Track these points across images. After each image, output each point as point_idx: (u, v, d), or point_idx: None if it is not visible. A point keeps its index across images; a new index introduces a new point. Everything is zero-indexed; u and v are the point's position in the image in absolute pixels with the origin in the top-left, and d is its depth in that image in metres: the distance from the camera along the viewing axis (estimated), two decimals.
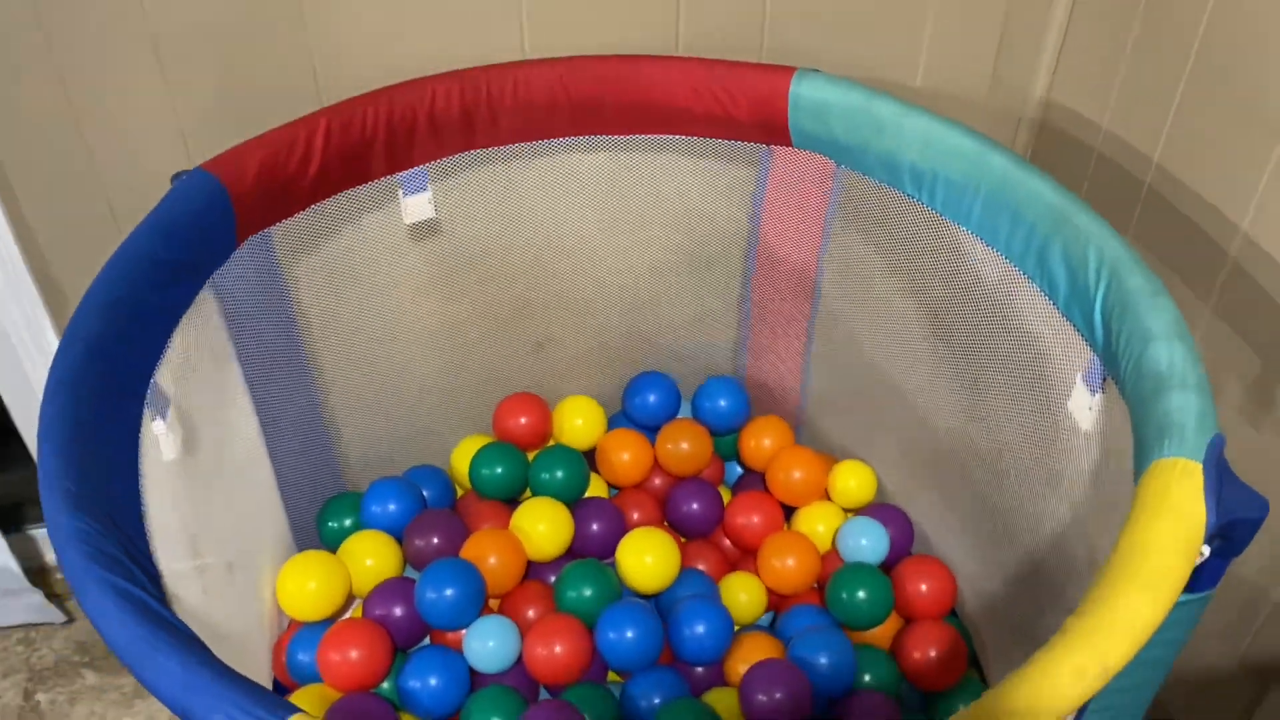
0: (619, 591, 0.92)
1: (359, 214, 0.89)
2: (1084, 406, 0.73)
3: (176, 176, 0.77)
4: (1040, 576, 0.82)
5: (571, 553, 0.98)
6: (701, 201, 0.99)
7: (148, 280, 0.69)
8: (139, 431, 0.65)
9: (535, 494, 1.02)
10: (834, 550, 1.01)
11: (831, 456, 1.06)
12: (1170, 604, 0.49)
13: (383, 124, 0.85)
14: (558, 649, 0.87)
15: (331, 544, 1.00)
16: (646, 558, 0.93)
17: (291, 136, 0.80)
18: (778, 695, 0.84)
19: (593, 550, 0.98)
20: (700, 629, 0.89)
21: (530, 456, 1.05)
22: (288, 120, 0.82)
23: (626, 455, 1.05)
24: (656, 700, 0.87)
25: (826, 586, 0.96)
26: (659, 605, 0.95)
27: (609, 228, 1.00)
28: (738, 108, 0.90)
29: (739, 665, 0.90)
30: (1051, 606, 0.81)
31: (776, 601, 1.00)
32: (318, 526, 1.01)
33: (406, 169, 0.89)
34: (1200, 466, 0.55)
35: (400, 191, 0.89)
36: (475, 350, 1.04)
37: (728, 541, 1.06)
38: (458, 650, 0.89)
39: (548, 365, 1.09)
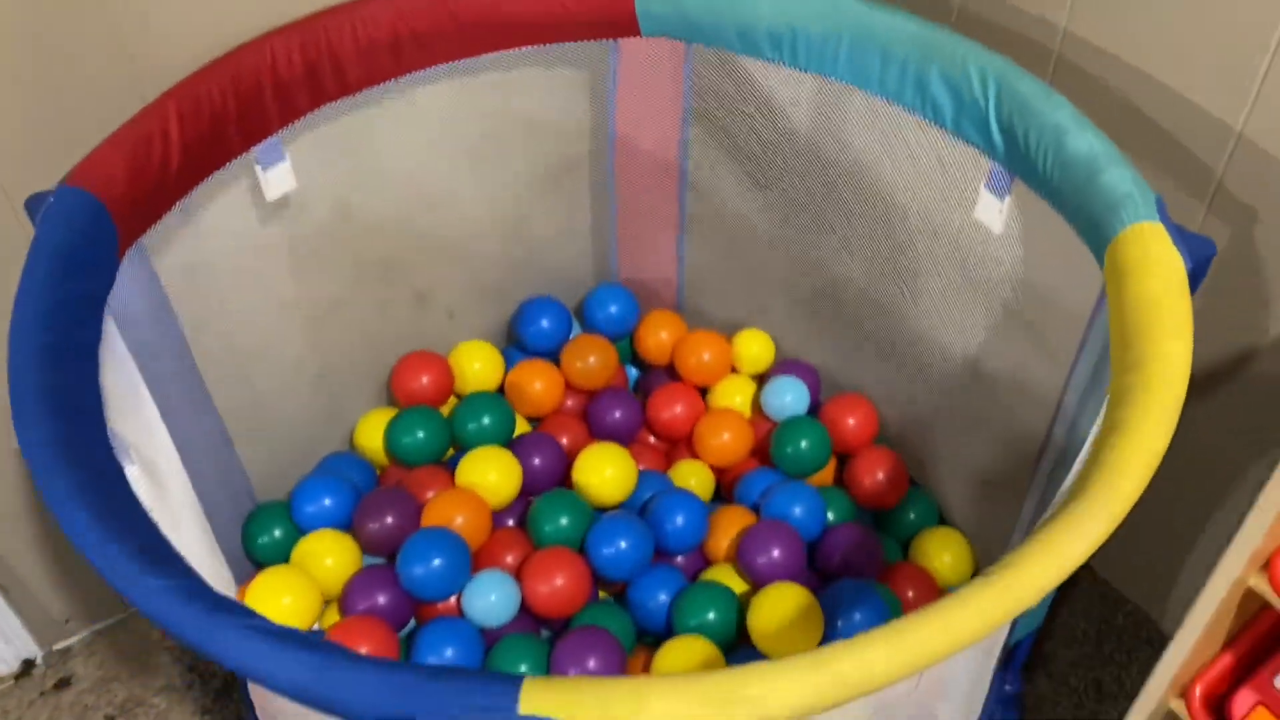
0: (590, 512, 0.93)
1: (221, 202, 0.81)
2: (994, 211, 0.80)
3: (33, 201, 0.66)
4: (974, 380, 0.89)
5: (522, 493, 0.97)
6: (556, 111, 0.97)
7: (64, 321, 0.61)
8: (127, 482, 0.57)
9: (465, 447, 0.99)
10: (757, 415, 1.06)
11: (723, 334, 1.10)
12: (1191, 345, 0.57)
13: (231, 96, 0.77)
14: (559, 581, 0.86)
15: (268, 559, 0.93)
16: (606, 471, 0.94)
17: (146, 131, 0.71)
18: (775, 553, 0.88)
19: (543, 485, 0.98)
20: (680, 520, 0.92)
21: (445, 413, 1.02)
22: (109, 118, 0.72)
23: (539, 385, 1.04)
24: (662, 597, 0.89)
25: (770, 445, 1.00)
26: None
27: (468, 158, 0.96)
28: (581, 6, 0.89)
29: (721, 542, 0.93)
30: (991, 405, 0.89)
31: (718, 476, 1.03)
32: (245, 546, 0.93)
33: (261, 141, 0.81)
34: (1161, 225, 0.62)
35: (258, 167, 0.82)
36: (358, 321, 0.99)
37: (652, 438, 1.08)
38: (456, 616, 0.87)
39: (432, 317, 1.05)
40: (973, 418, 0.91)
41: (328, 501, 0.92)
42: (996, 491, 0.91)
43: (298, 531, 0.93)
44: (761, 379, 1.09)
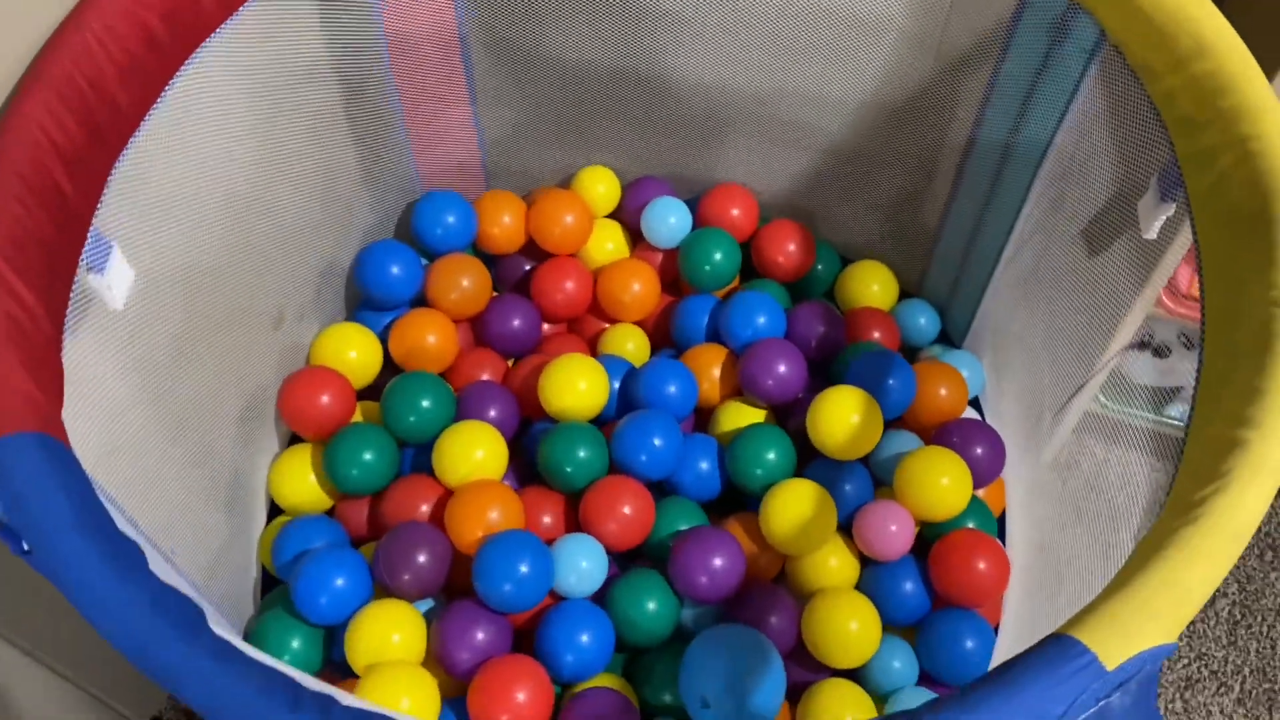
0: (597, 431, 0.86)
1: (83, 345, 0.59)
2: None
3: None
4: (875, 125, 0.89)
5: None
6: (325, 29, 0.79)
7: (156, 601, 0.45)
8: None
9: (410, 441, 0.86)
10: (644, 250, 1.01)
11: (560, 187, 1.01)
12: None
13: (35, 207, 0.55)
14: (627, 510, 0.81)
15: (302, 667, 0.78)
16: (580, 384, 0.87)
17: (8, 313, 0.50)
18: (781, 368, 0.88)
19: (508, 435, 0.88)
20: (674, 388, 0.88)
21: (359, 418, 0.87)
22: None
23: (433, 338, 0.91)
24: (704, 465, 0.86)
25: (682, 273, 0.97)
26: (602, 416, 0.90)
27: (267, 135, 0.77)
28: None
29: (704, 385, 0.91)
30: (899, 138, 0.89)
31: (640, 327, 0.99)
32: None
33: (82, 243, 0.59)
34: None
35: (93, 276, 0.60)
36: (235, 383, 0.80)
37: (546, 325, 1.00)
38: (554, 602, 0.80)
39: (288, 332, 0.87)
40: (876, 160, 0.92)
41: (340, 582, 0.77)
42: (907, 212, 0.95)
43: (322, 631, 0.78)
44: (613, 216, 1.03)
